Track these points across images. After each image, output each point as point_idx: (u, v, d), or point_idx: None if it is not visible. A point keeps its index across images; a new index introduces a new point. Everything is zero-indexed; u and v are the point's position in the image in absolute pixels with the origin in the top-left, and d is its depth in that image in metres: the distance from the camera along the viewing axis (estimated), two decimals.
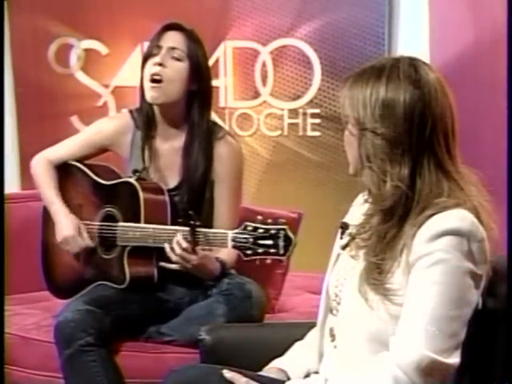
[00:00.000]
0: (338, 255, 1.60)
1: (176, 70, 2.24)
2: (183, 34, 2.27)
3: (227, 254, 2.21)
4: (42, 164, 2.39)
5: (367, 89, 1.49)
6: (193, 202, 2.27)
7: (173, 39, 2.26)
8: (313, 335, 1.65)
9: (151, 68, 2.25)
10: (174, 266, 2.12)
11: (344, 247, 1.57)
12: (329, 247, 1.67)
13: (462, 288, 1.41)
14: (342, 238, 1.58)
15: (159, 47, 2.26)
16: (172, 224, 2.17)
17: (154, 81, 2.23)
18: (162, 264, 2.15)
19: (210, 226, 2.24)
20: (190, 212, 2.09)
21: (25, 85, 3.47)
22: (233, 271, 2.34)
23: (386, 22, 3.43)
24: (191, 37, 2.27)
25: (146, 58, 2.28)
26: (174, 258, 2.11)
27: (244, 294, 2.18)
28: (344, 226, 1.58)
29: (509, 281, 1.44)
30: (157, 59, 2.24)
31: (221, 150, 2.28)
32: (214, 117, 3.18)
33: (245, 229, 1.96)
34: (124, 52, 3.52)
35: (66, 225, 2.29)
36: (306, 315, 2.30)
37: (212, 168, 2.27)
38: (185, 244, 2.08)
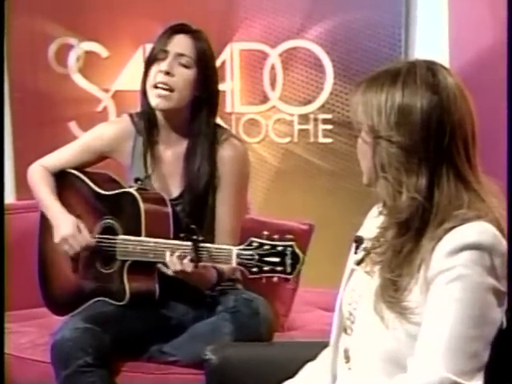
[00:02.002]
0: (352, 271, 1.59)
1: (184, 78, 2.24)
2: (191, 37, 2.27)
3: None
4: (39, 171, 2.39)
5: (382, 94, 1.48)
6: (195, 212, 2.27)
7: (180, 44, 2.26)
8: (325, 355, 1.65)
9: (157, 75, 2.25)
10: (170, 272, 2.11)
11: (358, 262, 1.57)
12: (341, 261, 1.66)
13: (483, 305, 1.40)
14: (356, 252, 1.58)
15: (165, 52, 2.26)
16: (175, 237, 2.17)
17: (160, 88, 2.24)
18: (159, 266, 2.13)
19: (212, 235, 2.25)
20: (193, 226, 2.09)
21: (20, 89, 3.49)
22: (239, 286, 2.34)
23: (402, 22, 3.43)
24: (199, 39, 2.27)
25: (150, 62, 2.28)
26: (169, 272, 2.11)
27: (251, 311, 2.17)
28: (358, 240, 1.58)
29: (509, 281, 1.43)
30: (163, 66, 2.24)
31: (224, 153, 2.28)
32: (219, 121, 3.19)
33: (250, 245, 1.96)
34: (125, 54, 3.53)
35: (63, 223, 2.29)
36: (317, 333, 2.29)
37: (215, 173, 2.28)
38: (182, 262, 2.07)
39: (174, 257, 2.08)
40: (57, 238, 2.29)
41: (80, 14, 3.51)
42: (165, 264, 2.11)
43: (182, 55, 2.25)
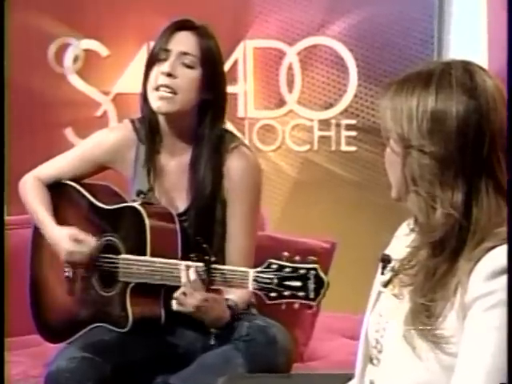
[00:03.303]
0: (379, 293, 1.59)
1: (187, 80, 2.25)
2: (195, 33, 2.27)
3: (239, 295, 2.22)
4: (32, 182, 2.41)
5: (413, 99, 1.49)
6: (202, 228, 2.28)
7: (183, 42, 2.27)
8: None
9: (158, 77, 2.25)
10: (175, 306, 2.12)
11: (386, 284, 1.57)
12: (367, 283, 1.67)
13: None
14: (383, 273, 1.58)
15: (167, 51, 2.27)
16: (183, 256, 2.18)
17: (162, 91, 2.25)
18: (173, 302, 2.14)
19: (222, 255, 2.26)
20: (205, 245, 2.09)
21: (13, 92, 3.51)
22: (254, 311, 2.34)
23: (435, 16, 3.44)
24: (204, 36, 2.28)
25: (151, 63, 2.29)
26: (175, 305, 2.11)
27: (267, 339, 2.17)
28: (386, 260, 1.58)
29: (509, 281, 1.43)
30: (165, 68, 2.25)
31: (232, 163, 2.29)
32: (230, 128, 3.20)
33: (269, 267, 1.97)
34: (127, 53, 3.56)
35: (61, 239, 2.29)
36: (340, 364, 2.29)
37: (222, 185, 2.28)
38: (194, 276, 2.08)
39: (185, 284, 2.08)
40: (62, 256, 2.30)
41: (78, 9, 3.54)
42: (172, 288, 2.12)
43: (185, 54, 2.26)
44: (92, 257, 2.27)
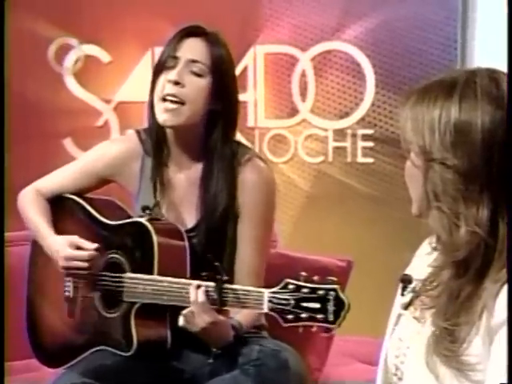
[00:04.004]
0: (399, 316, 1.60)
1: (196, 89, 2.26)
2: (205, 40, 2.29)
3: (245, 314, 2.23)
4: (31, 195, 2.42)
5: (435, 109, 1.49)
6: (212, 246, 2.29)
7: (193, 49, 2.28)
8: None
9: (165, 86, 2.26)
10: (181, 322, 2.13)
11: (406, 306, 1.58)
12: (385, 304, 1.67)
13: None
14: (403, 294, 1.59)
15: (175, 58, 2.28)
16: (192, 275, 2.19)
17: (168, 101, 2.26)
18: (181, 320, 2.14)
19: (232, 273, 2.26)
20: (217, 263, 2.10)
21: (9, 101, 3.53)
22: (265, 334, 2.34)
23: (458, 20, 3.44)
24: (215, 43, 2.29)
25: (158, 70, 2.31)
26: (181, 321, 2.12)
27: (279, 364, 2.18)
28: (406, 280, 1.59)
29: (509, 281, 1.43)
30: (172, 75, 2.26)
31: (246, 177, 2.30)
32: (239, 138, 3.21)
33: (285, 287, 1.97)
34: (130, 59, 3.57)
35: (60, 245, 2.30)
36: None
37: (235, 200, 2.29)
38: (203, 298, 2.09)
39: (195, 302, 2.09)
40: (60, 263, 2.30)
41: (77, 12, 3.55)
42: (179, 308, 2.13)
43: (194, 62, 2.27)
44: (92, 264, 2.27)
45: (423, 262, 1.60)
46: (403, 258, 1.68)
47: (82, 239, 2.29)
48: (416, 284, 1.57)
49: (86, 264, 2.28)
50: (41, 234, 2.37)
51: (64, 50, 3.61)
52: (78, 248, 2.28)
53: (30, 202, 2.41)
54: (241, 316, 2.23)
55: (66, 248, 2.28)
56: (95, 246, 2.27)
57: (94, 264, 2.29)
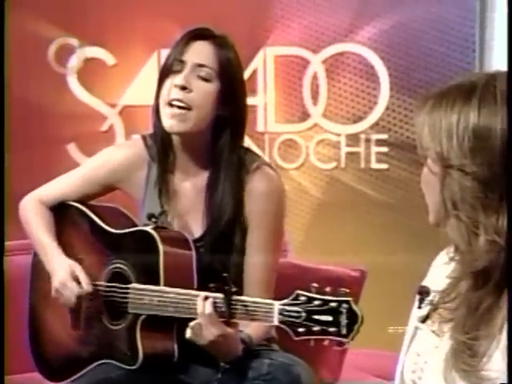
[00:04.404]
0: (416, 330, 1.59)
1: (203, 94, 2.26)
2: (213, 43, 2.29)
3: (255, 326, 2.22)
4: (33, 205, 2.42)
5: (453, 114, 1.49)
6: (219, 255, 2.29)
7: (200, 53, 2.28)
8: None
9: (171, 90, 2.27)
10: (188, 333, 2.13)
11: (424, 320, 1.57)
12: (401, 316, 1.67)
13: None
14: (420, 307, 1.58)
15: (182, 62, 2.28)
16: (199, 286, 2.19)
17: (174, 106, 2.26)
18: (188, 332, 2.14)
19: (240, 286, 2.26)
20: (225, 274, 2.10)
21: (9, 103, 3.53)
22: (275, 347, 2.34)
23: (476, 20, 3.43)
24: (223, 46, 2.30)
25: (164, 74, 2.31)
26: (189, 333, 2.12)
27: (290, 379, 2.18)
28: (423, 292, 1.58)
29: (509, 281, 1.44)
30: (179, 80, 2.26)
31: (254, 185, 2.30)
32: (248, 143, 3.21)
33: (296, 299, 1.97)
34: (136, 62, 3.58)
35: (58, 268, 2.32)
36: None
37: (243, 209, 2.29)
38: (210, 310, 2.09)
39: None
40: (53, 283, 2.32)
41: (81, 13, 3.56)
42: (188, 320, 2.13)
43: (201, 66, 2.27)
44: (78, 302, 2.29)
45: (441, 272, 1.59)
46: (419, 268, 1.67)
47: (83, 271, 2.30)
48: (434, 296, 1.57)
49: (73, 299, 2.29)
50: (43, 251, 2.38)
51: (67, 52, 3.61)
52: (76, 278, 2.29)
53: (32, 213, 2.41)
54: (250, 329, 2.23)
55: (64, 274, 2.29)
56: (90, 288, 2.29)
57: (82, 303, 2.30)
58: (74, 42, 3.60)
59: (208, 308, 2.10)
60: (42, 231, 2.39)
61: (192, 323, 2.12)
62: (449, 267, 1.57)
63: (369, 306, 2.41)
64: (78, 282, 2.29)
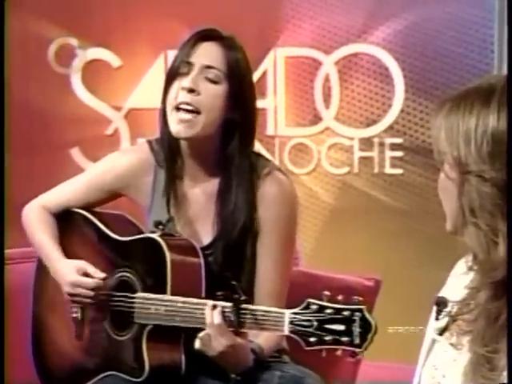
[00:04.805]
0: (433, 342, 1.59)
1: (211, 97, 2.27)
2: (221, 45, 2.30)
3: (266, 337, 2.23)
4: (36, 212, 2.43)
5: (471, 118, 1.49)
6: (229, 264, 2.29)
7: (208, 54, 2.29)
8: None
9: (179, 93, 2.27)
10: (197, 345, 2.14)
11: (441, 332, 1.57)
12: (415, 326, 1.66)
13: None
14: (437, 318, 1.58)
15: (189, 64, 2.29)
16: (207, 295, 2.19)
17: (182, 110, 2.26)
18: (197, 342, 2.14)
19: (252, 295, 2.27)
20: (234, 282, 2.11)
21: (10, 106, 3.54)
22: (286, 359, 2.34)
23: (495, 20, 3.43)
24: (231, 47, 2.30)
25: (171, 77, 2.31)
26: (197, 344, 2.12)
27: None
28: (441, 303, 1.58)
29: (509, 282, 1.44)
30: (186, 82, 2.27)
31: (266, 191, 2.30)
32: (258, 147, 3.21)
33: (307, 308, 1.97)
34: (141, 63, 3.59)
35: (67, 271, 2.31)
36: None
37: (254, 216, 2.30)
38: (219, 320, 2.09)
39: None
40: (64, 289, 2.32)
41: (84, 13, 3.57)
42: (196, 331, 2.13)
43: (209, 68, 2.28)
44: (96, 295, 2.29)
45: (459, 282, 1.59)
46: (436, 278, 1.67)
47: (90, 265, 2.30)
48: (452, 307, 1.57)
49: (91, 293, 2.29)
50: (47, 256, 2.39)
51: (69, 52, 3.62)
52: (85, 274, 2.29)
53: (36, 220, 2.42)
54: (261, 339, 2.23)
55: (73, 273, 2.30)
56: (103, 275, 2.29)
57: (99, 293, 2.30)
58: (73, 41, 3.61)
59: (217, 318, 2.10)
60: (45, 238, 2.39)
61: (201, 334, 2.12)
62: (467, 277, 1.57)
63: (383, 317, 2.41)
64: (90, 276, 2.29)
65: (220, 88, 2.28)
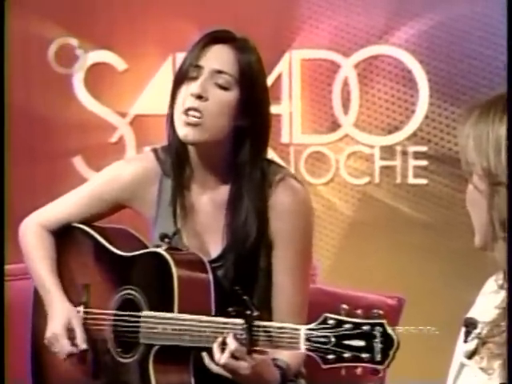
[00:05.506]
0: (462, 366, 1.59)
1: (220, 103, 2.27)
2: (233, 47, 2.30)
3: (291, 354, 2.22)
4: (34, 231, 2.43)
5: (501, 125, 1.49)
6: (241, 278, 2.29)
7: (218, 58, 2.29)
8: None
9: (187, 99, 2.28)
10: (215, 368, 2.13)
11: (470, 355, 1.56)
12: (442, 349, 1.66)
13: None
14: (466, 341, 1.57)
15: (199, 68, 2.29)
16: (218, 312, 2.19)
17: (190, 116, 2.27)
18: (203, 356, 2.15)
19: (266, 311, 2.26)
20: (246, 297, 2.10)
21: (9, 112, 3.55)
22: (302, 383, 2.33)
23: None
24: (244, 50, 2.30)
25: (179, 81, 2.32)
26: (214, 368, 2.12)
27: None
28: (470, 324, 1.57)
29: (509, 282, 1.44)
30: (194, 87, 2.27)
31: (278, 199, 2.30)
32: (272, 156, 3.21)
33: (324, 322, 1.97)
34: (148, 67, 3.60)
35: (55, 317, 2.34)
36: None
37: (267, 226, 2.30)
38: (234, 345, 2.09)
39: (217, 345, 2.09)
40: (46, 334, 2.35)
41: (88, 14, 3.58)
42: (208, 351, 2.13)
43: (219, 72, 2.28)
44: (68, 360, 2.32)
45: (489, 302, 1.58)
46: (464, 297, 1.67)
47: (82, 328, 2.31)
48: (481, 328, 1.56)
49: (63, 357, 2.32)
50: (43, 288, 2.40)
51: (73, 55, 3.64)
52: (70, 332, 2.31)
53: (33, 242, 2.42)
54: (285, 355, 2.23)
55: (59, 325, 2.32)
56: (84, 347, 2.30)
57: (71, 362, 2.32)
58: (74, 42, 3.61)
59: (232, 343, 2.09)
60: (43, 266, 2.40)
61: (222, 360, 2.11)
62: (498, 296, 1.56)
63: (407, 339, 2.41)
64: (73, 338, 2.31)
65: (230, 94, 2.29)
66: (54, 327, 2.33)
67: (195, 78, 2.29)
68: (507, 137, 1.47)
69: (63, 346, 2.31)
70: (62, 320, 2.33)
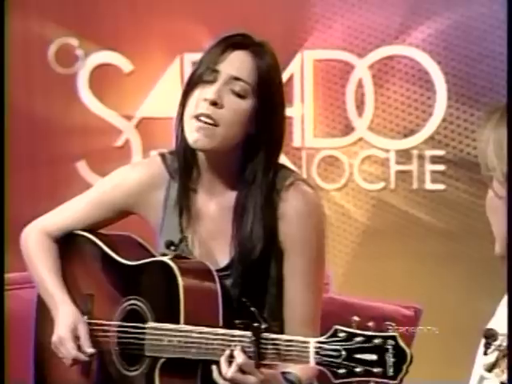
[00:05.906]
0: (481, 379, 1.58)
1: (235, 111, 2.27)
2: (251, 54, 2.29)
3: (302, 368, 2.21)
4: (36, 238, 2.44)
5: None
6: (250, 287, 2.29)
7: (236, 64, 2.28)
8: None
9: (199, 104, 2.28)
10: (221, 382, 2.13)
11: (490, 368, 1.56)
12: (460, 362, 1.65)
13: None
14: (486, 353, 1.57)
15: (216, 72, 2.28)
16: (225, 324, 2.19)
17: (201, 121, 2.27)
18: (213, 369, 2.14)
19: (279, 321, 2.26)
20: (253, 309, 2.10)
21: (11, 115, 3.56)
22: None
23: None
24: (262, 56, 2.29)
25: (193, 83, 2.31)
26: (221, 382, 2.12)
27: None
28: (489, 336, 1.57)
29: (509, 282, 1.44)
30: (210, 93, 2.26)
31: (289, 204, 2.29)
32: (283, 160, 3.21)
33: (334, 335, 1.96)
34: (155, 68, 3.60)
35: (61, 320, 2.33)
36: None
37: (277, 233, 2.29)
38: (241, 359, 2.09)
39: (224, 359, 2.09)
40: (52, 339, 2.34)
41: (93, 14, 3.59)
42: (216, 364, 2.12)
43: (236, 79, 2.28)
44: (74, 366, 2.31)
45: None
46: (484, 307, 1.66)
47: (87, 333, 2.31)
48: (502, 340, 1.55)
49: (69, 362, 2.31)
50: (47, 295, 2.40)
51: (75, 56, 3.64)
52: (76, 338, 2.31)
53: (36, 249, 2.42)
54: (297, 370, 2.22)
55: (65, 330, 2.31)
56: (90, 351, 2.30)
57: (74, 373, 2.32)
58: (75, 42, 3.62)
59: (239, 356, 2.09)
60: (46, 272, 2.40)
61: (229, 374, 2.11)
62: None
63: (424, 349, 2.40)
64: (79, 343, 2.31)
65: (246, 103, 2.28)
66: (60, 331, 2.32)
67: (211, 83, 2.28)
68: (507, 137, 1.47)
69: (69, 350, 2.30)
70: (68, 323, 2.32)
